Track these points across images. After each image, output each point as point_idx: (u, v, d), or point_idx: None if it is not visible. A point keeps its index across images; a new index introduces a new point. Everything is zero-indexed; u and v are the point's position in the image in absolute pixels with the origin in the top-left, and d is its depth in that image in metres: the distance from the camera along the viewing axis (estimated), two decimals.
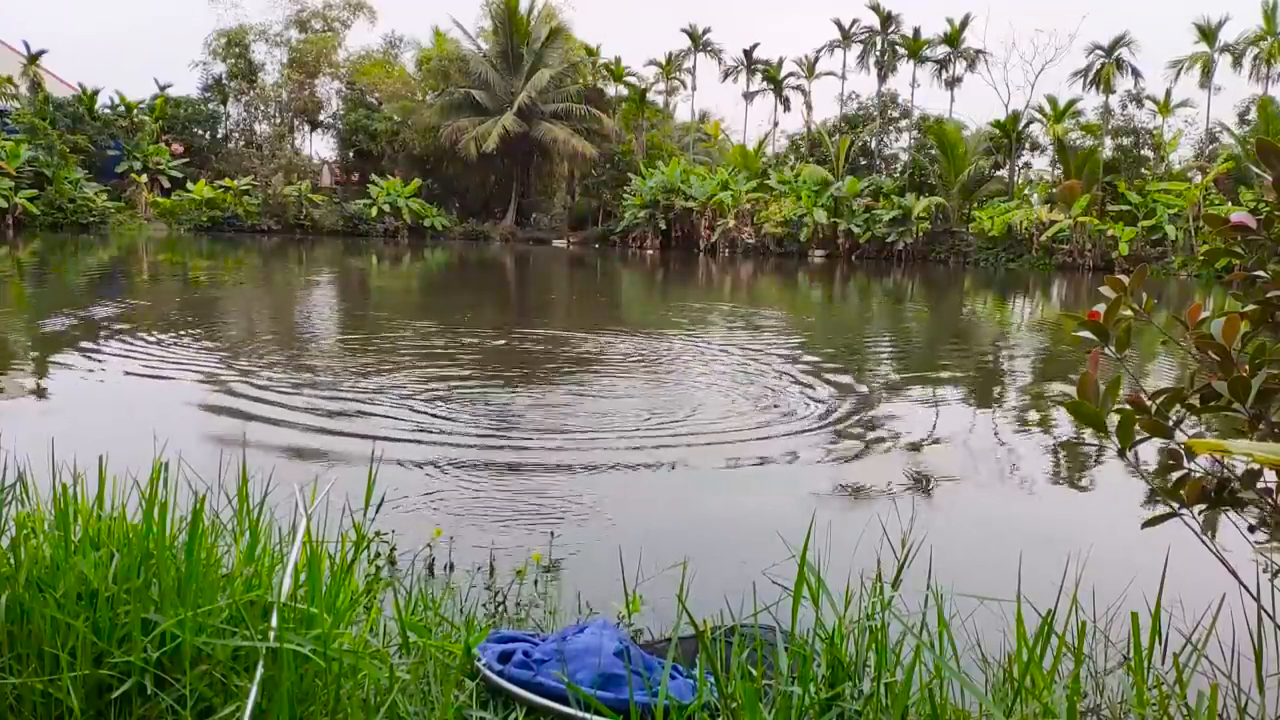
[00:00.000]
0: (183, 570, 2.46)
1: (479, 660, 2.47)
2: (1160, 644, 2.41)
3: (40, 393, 8.60)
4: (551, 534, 4.21)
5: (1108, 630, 2.59)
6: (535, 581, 3.85)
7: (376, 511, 2.92)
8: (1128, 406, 2.33)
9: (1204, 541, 2.40)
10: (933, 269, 38.69)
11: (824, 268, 37.43)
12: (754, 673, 2.27)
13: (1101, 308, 2.37)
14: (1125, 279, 2.36)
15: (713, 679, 2.25)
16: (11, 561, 2.55)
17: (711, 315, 19.30)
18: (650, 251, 45.02)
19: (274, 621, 2.29)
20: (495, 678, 2.39)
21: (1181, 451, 2.41)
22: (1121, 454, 2.35)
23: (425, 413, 8.04)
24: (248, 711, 2.03)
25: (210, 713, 2.13)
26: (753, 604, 2.83)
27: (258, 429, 7.14)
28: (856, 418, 8.78)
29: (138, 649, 2.21)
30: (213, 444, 6.11)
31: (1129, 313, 2.39)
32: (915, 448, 7.73)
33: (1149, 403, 2.34)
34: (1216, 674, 2.31)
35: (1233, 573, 2.31)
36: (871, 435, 8.10)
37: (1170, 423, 2.36)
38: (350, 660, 2.19)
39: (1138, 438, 2.34)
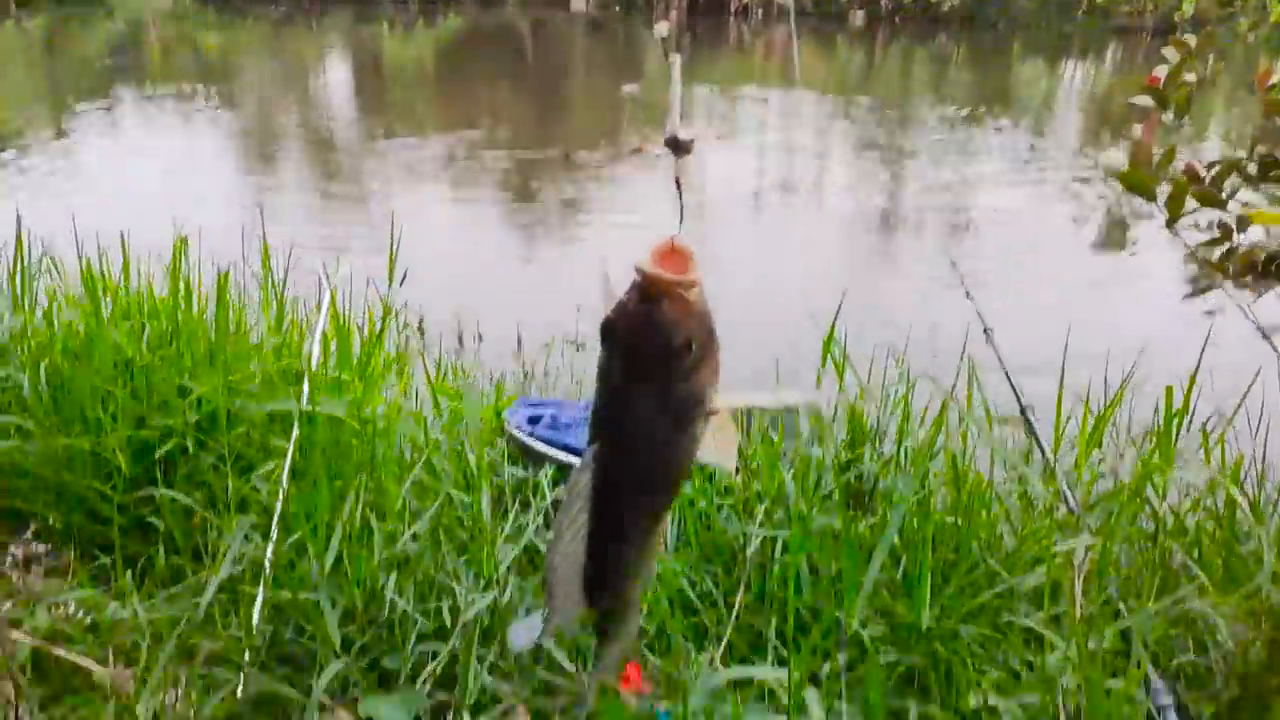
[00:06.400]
0: (213, 340, 2.49)
1: (509, 424, 2.53)
2: (1189, 416, 2.41)
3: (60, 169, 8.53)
4: (578, 308, 4.21)
5: (1132, 401, 2.59)
6: (562, 353, 3.90)
7: (401, 284, 2.90)
8: (1181, 176, 2.22)
9: (1247, 315, 2.34)
10: (980, 34, 36.61)
11: (864, 33, 35.39)
12: (774, 436, 2.31)
13: (1161, 71, 2.22)
14: (1189, 40, 2.19)
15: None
16: (46, 332, 2.59)
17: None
18: (674, 12, 42.67)
19: (305, 387, 2.33)
20: (525, 438, 2.45)
21: (1232, 224, 2.33)
22: (1169, 225, 2.26)
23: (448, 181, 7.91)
24: (285, 468, 2.10)
25: (251, 470, 2.21)
26: (775, 377, 2.85)
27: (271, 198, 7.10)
28: (890, 173, 8.57)
29: (176, 413, 2.27)
30: (233, 220, 6.09)
31: (1191, 77, 2.23)
32: (953, 214, 7.58)
33: (1203, 172, 2.23)
34: (1244, 445, 2.32)
35: (1274, 346, 2.27)
36: (904, 196, 7.94)
37: (1224, 194, 2.26)
38: (384, 423, 2.25)
39: (1188, 209, 2.25)
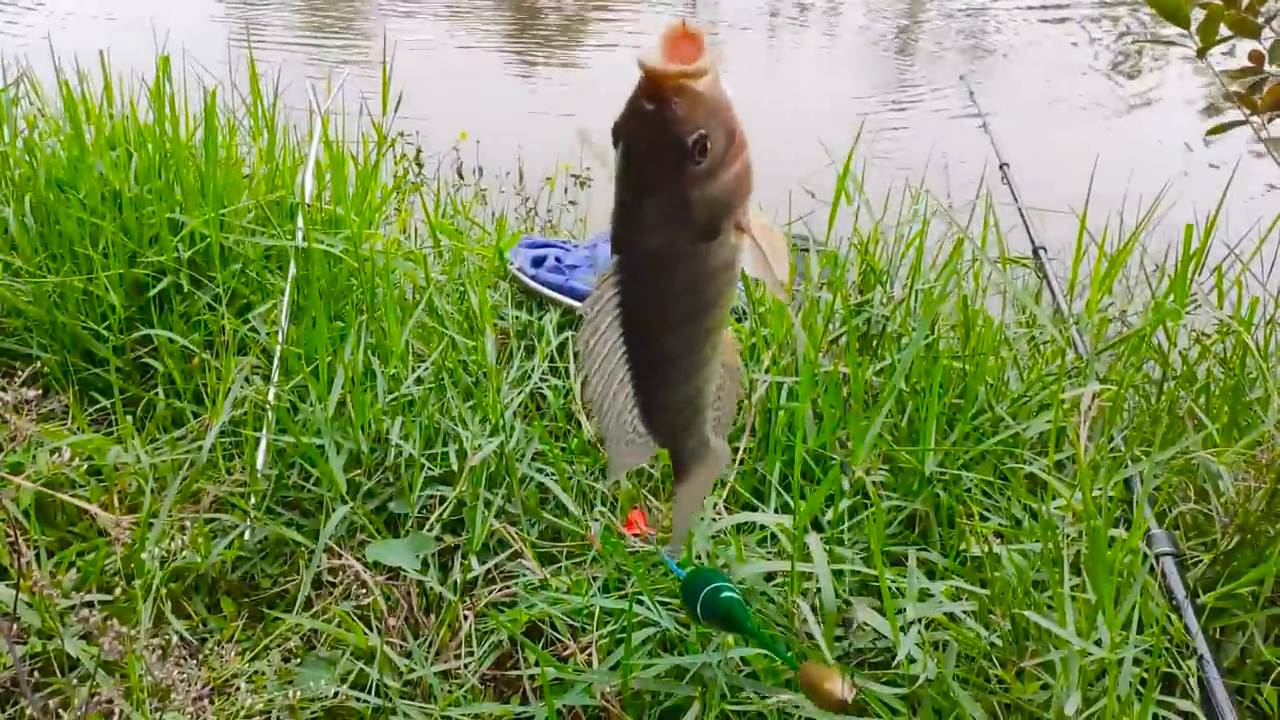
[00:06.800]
0: (203, 170, 2.40)
1: (512, 264, 2.47)
2: (1204, 258, 2.35)
3: None
4: (582, 141, 4.06)
5: (1148, 242, 2.52)
6: (565, 190, 3.79)
7: (396, 110, 2.77)
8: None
9: (1273, 155, 2.24)
10: None
11: None
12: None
13: None
14: None
15: (740, 283, 2.24)
16: (29, 162, 2.49)
17: None
18: None
19: (299, 222, 2.26)
20: (529, 281, 2.40)
21: (1264, 52, 2.19)
22: (1200, 54, 2.13)
23: None
24: (284, 308, 2.06)
25: (248, 309, 2.17)
26: (788, 213, 2.77)
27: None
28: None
29: (169, 249, 2.20)
30: (215, 37, 5.82)
31: None
32: (973, 44, 7.26)
33: None
34: (1260, 288, 2.27)
35: None
36: (922, 21, 7.59)
37: (1261, 20, 2.12)
38: (384, 261, 2.19)
39: (1220, 36, 2.11)
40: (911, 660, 1.29)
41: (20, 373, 1.61)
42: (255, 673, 1.37)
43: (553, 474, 1.76)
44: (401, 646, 1.47)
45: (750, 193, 0.88)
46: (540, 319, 2.29)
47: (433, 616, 1.53)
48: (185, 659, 1.29)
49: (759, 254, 0.91)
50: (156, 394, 1.95)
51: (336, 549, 1.59)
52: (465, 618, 1.51)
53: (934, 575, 1.53)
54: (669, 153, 0.80)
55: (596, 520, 1.67)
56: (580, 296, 2.31)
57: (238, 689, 1.31)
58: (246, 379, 1.90)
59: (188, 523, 1.55)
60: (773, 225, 0.92)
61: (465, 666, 1.45)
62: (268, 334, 2.06)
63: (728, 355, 1.03)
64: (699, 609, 1.23)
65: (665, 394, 0.99)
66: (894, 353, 2.01)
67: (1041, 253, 2.52)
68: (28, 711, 1.19)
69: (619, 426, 0.99)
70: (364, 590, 1.51)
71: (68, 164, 2.43)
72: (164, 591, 1.48)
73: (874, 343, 2.12)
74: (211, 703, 1.27)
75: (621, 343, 0.93)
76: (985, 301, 2.27)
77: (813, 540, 1.43)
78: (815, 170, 2.80)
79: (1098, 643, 1.29)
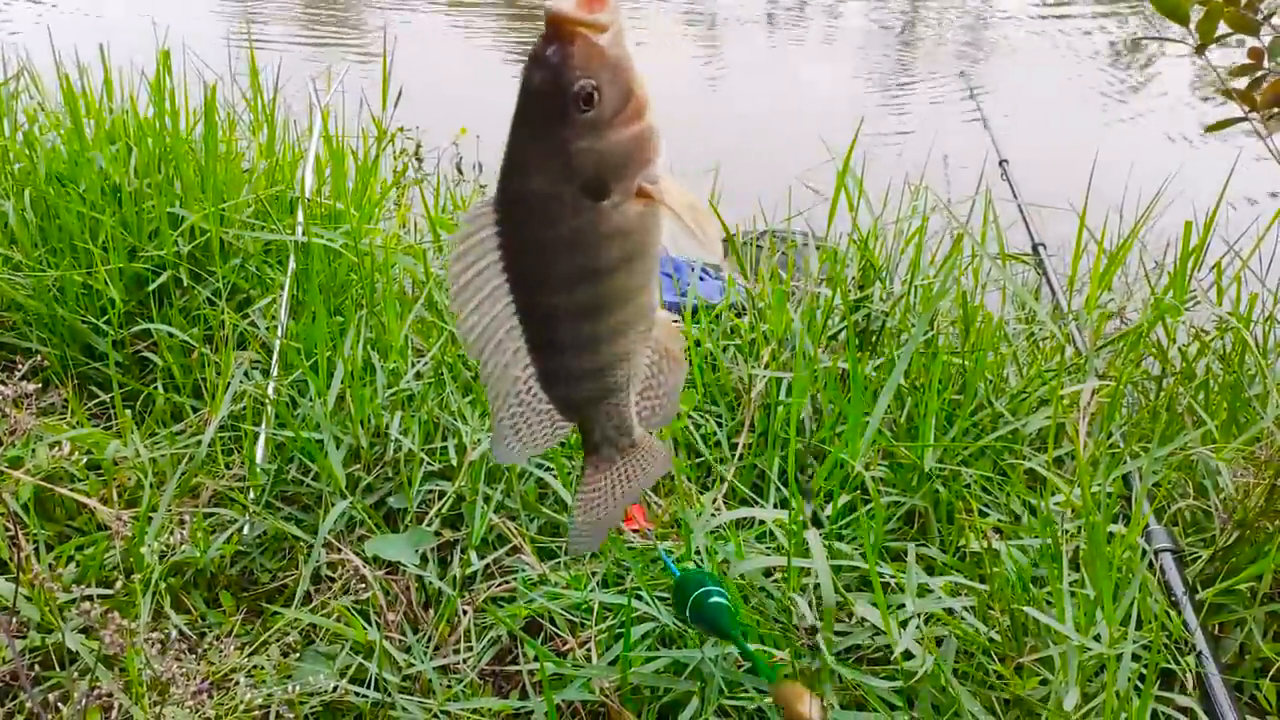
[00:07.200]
0: (203, 164, 2.40)
1: None
2: (1203, 255, 2.36)
3: None
4: None
5: (1145, 238, 2.52)
6: None
7: (395, 105, 2.77)
8: None
9: (1272, 151, 2.24)
10: None
11: None
12: (783, 275, 2.26)
13: None
14: None
15: (741, 279, 2.24)
16: (29, 156, 2.49)
17: None
18: None
19: (300, 217, 2.25)
20: None
21: (1264, 49, 2.19)
22: (1199, 50, 2.13)
23: None
24: (283, 303, 2.06)
25: (248, 304, 2.17)
26: (787, 208, 2.76)
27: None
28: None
29: (168, 243, 2.20)
30: (216, 34, 5.81)
31: None
32: (971, 42, 7.25)
33: None
34: (1258, 284, 2.28)
35: None
36: (921, 20, 7.58)
37: (1260, 16, 2.12)
38: (384, 256, 2.19)
39: (1220, 33, 2.11)
40: (909, 655, 1.29)
41: (20, 367, 1.62)
42: (254, 667, 1.37)
43: (552, 469, 1.76)
44: (400, 641, 1.48)
45: (651, 160, 0.85)
46: None
47: (432, 611, 1.53)
48: (184, 653, 1.29)
49: (678, 225, 0.88)
50: (156, 388, 1.95)
51: (336, 544, 1.59)
52: (464, 613, 1.51)
53: (933, 571, 1.53)
54: (554, 97, 0.79)
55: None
56: None
57: (237, 683, 1.31)
58: (246, 374, 1.90)
59: (187, 517, 1.55)
60: (696, 199, 0.88)
61: (464, 661, 1.46)
62: (267, 329, 2.06)
63: (665, 338, 0.99)
64: (688, 613, 1.23)
65: (559, 358, 0.93)
66: (893, 349, 2.01)
67: (1041, 249, 2.53)
68: (27, 706, 1.19)
69: (505, 379, 0.92)
70: (363, 585, 1.51)
71: (68, 158, 2.43)
72: (163, 586, 1.48)
73: (873, 338, 2.13)
74: (211, 697, 1.27)
75: (506, 290, 0.88)
76: (985, 298, 2.27)
77: (812, 536, 1.43)
78: (813, 167, 2.80)
79: (1096, 638, 1.29)
